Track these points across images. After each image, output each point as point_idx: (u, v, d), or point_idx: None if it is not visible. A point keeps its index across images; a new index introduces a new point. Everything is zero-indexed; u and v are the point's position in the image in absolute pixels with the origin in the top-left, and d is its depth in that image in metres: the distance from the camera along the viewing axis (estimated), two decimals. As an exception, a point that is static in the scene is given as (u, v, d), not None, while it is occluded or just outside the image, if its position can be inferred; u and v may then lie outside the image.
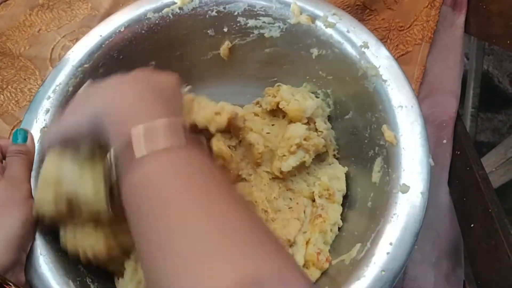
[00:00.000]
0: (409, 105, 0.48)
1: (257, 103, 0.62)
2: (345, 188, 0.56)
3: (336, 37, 0.54)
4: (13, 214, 0.43)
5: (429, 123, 0.64)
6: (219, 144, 0.51)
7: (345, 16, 0.54)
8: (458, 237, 0.60)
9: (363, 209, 0.51)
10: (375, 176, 0.50)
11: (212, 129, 0.50)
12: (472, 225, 0.53)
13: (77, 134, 0.41)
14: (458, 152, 0.61)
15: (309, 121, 0.57)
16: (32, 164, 0.48)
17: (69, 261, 0.47)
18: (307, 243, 0.52)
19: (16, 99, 0.65)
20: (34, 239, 0.45)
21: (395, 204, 0.45)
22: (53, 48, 0.68)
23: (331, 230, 0.53)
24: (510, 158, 0.92)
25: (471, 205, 0.55)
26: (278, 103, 0.57)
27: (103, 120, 0.37)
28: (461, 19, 0.67)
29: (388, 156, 0.48)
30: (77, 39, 0.67)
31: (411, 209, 0.44)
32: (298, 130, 0.54)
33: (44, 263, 0.45)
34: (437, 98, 0.65)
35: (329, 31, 0.54)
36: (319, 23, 0.55)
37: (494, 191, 0.52)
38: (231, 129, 0.56)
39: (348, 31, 0.53)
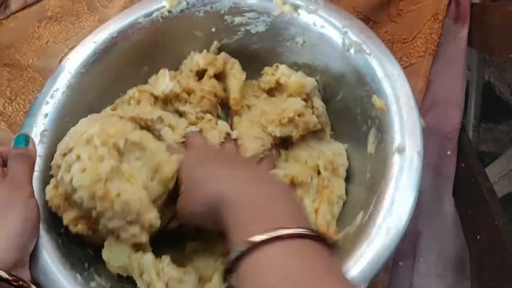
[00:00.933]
0: (395, 73, 0.50)
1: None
2: (347, 162, 0.56)
3: (319, 21, 0.56)
4: (15, 214, 0.43)
5: (433, 134, 0.64)
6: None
7: (327, 3, 0.56)
8: (464, 249, 0.60)
9: (362, 182, 0.52)
10: (371, 148, 0.51)
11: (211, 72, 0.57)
12: (478, 237, 0.54)
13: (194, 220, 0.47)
14: (463, 164, 0.61)
15: (307, 98, 0.58)
16: (34, 167, 0.49)
17: (74, 257, 0.47)
18: (316, 212, 0.53)
19: (24, 110, 0.65)
20: (38, 237, 0.45)
21: (392, 164, 0.46)
22: (61, 60, 0.68)
23: (337, 203, 0.54)
24: (513, 169, 0.92)
25: (477, 217, 0.55)
26: (278, 80, 0.58)
27: (221, 212, 0.39)
28: (464, 32, 0.67)
29: (381, 124, 0.49)
30: (84, 51, 0.69)
31: (409, 167, 0.45)
32: (296, 104, 0.55)
33: (50, 258, 0.45)
34: (440, 110, 0.65)
35: (312, 17, 0.56)
36: (301, 11, 0.57)
37: (500, 202, 0.52)
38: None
39: (329, 16, 0.55)
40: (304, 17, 0.57)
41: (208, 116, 0.56)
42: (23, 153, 0.48)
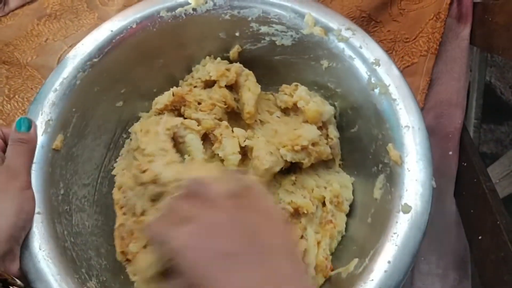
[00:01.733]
0: (416, 126, 0.48)
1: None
2: (352, 197, 0.56)
3: (348, 51, 0.54)
4: (9, 204, 0.43)
5: (435, 134, 0.64)
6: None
7: (359, 31, 0.54)
8: (465, 249, 0.60)
9: (362, 223, 0.52)
10: (377, 193, 0.51)
11: (222, 83, 0.56)
12: (480, 237, 0.53)
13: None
14: (465, 164, 0.61)
15: (322, 126, 0.57)
16: (33, 154, 0.48)
17: (67, 257, 0.47)
18: (318, 244, 0.53)
19: (23, 108, 0.65)
20: (30, 229, 0.45)
21: (395, 223, 0.45)
22: (60, 58, 0.68)
23: (336, 238, 0.54)
24: (514, 170, 0.92)
25: (479, 217, 0.55)
26: (295, 102, 0.57)
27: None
28: (466, 31, 0.67)
29: (392, 174, 0.48)
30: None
31: (411, 230, 0.44)
32: (311, 132, 0.54)
33: (43, 258, 0.45)
34: (442, 110, 0.65)
35: (342, 45, 0.54)
36: (332, 36, 0.55)
37: (502, 202, 0.52)
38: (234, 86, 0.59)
39: (360, 47, 0.53)
40: (334, 42, 0.55)
41: (225, 123, 0.55)
42: (24, 139, 0.47)
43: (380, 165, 0.51)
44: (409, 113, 0.49)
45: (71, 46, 0.69)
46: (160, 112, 0.58)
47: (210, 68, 0.58)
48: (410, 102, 0.50)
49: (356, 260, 0.47)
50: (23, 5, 0.71)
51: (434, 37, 0.66)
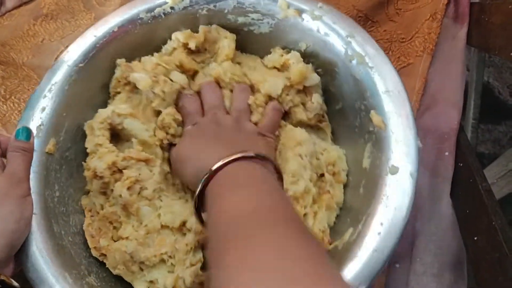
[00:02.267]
0: (396, 90, 0.49)
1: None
2: (347, 168, 0.56)
3: (323, 29, 0.55)
4: (9, 211, 0.43)
5: (431, 135, 0.64)
6: None
7: (332, 9, 0.55)
8: (461, 249, 0.60)
9: (356, 195, 0.52)
10: (366, 162, 0.51)
11: (191, 45, 0.56)
12: (475, 238, 0.53)
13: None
14: (461, 164, 0.61)
15: (306, 92, 0.57)
16: (31, 162, 0.49)
17: (65, 255, 0.47)
18: (314, 215, 0.52)
19: (19, 109, 0.65)
20: (29, 233, 0.46)
21: (385, 185, 0.45)
22: (56, 58, 0.68)
23: (335, 210, 0.54)
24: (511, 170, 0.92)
25: (475, 217, 0.55)
26: (286, 61, 0.57)
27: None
28: (463, 31, 0.67)
29: (377, 140, 0.49)
30: (80, 49, 0.68)
31: (401, 190, 0.45)
32: (277, 82, 0.55)
33: (40, 256, 0.45)
34: (438, 110, 0.65)
35: (316, 23, 0.55)
36: (306, 16, 0.56)
37: (498, 203, 0.52)
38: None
39: (334, 23, 0.54)
40: (308, 22, 0.55)
41: (162, 77, 0.54)
42: (24, 147, 0.48)
43: (366, 135, 0.51)
44: (386, 78, 0.50)
45: (68, 47, 0.69)
46: (116, 92, 0.58)
47: (177, 34, 0.57)
48: (388, 68, 0.51)
49: (351, 229, 0.47)
50: (19, 6, 0.71)
51: (430, 37, 0.66)
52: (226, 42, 0.58)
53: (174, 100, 0.55)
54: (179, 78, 0.55)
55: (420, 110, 0.65)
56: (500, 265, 0.47)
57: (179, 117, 0.54)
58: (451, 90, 0.65)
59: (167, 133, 0.54)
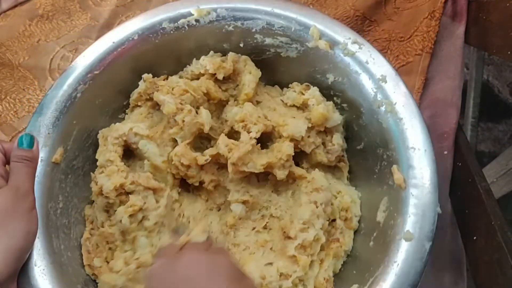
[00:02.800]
0: (423, 148, 0.46)
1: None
2: (360, 213, 0.54)
3: (354, 66, 0.52)
4: (16, 226, 0.43)
5: (430, 134, 0.63)
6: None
7: (366, 45, 0.52)
8: (460, 250, 0.59)
9: (365, 245, 0.51)
10: (380, 216, 0.49)
11: (220, 76, 0.55)
12: (475, 238, 0.53)
13: None
14: (460, 164, 0.60)
15: (327, 132, 0.56)
16: (36, 171, 0.48)
17: (63, 272, 0.46)
18: (320, 263, 0.51)
19: (15, 109, 0.64)
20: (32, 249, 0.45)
21: (396, 251, 0.44)
22: (52, 59, 0.68)
23: (341, 258, 0.53)
24: (511, 169, 0.91)
25: (474, 217, 0.54)
26: (305, 100, 0.56)
27: None
28: (461, 30, 0.67)
29: (396, 198, 0.47)
30: (76, 49, 0.68)
31: (413, 260, 0.43)
32: (299, 125, 0.53)
33: (38, 274, 0.44)
34: (437, 109, 0.64)
35: (348, 59, 0.52)
36: (337, 50, 0.53)
37: (497, 203, 0.51)
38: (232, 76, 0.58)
39: (367, 62, 0.51)
40: (340, 57, 0.53)
41: (188, 107, 0.53)
42: (28, 157, 0.47)
43: (385, 187, 0.49)
44: (416, 133, 0.47)
45: (64, 47, 0.69)
46: (136, 105, 0.57)
47: (205, 61, 0.56)
48: (417, 122, 0.48)
49: (355, 286, 0.46)
50: (15, 6, 0.70)
51: (429, 36, 0.66)
52: (248, 80, 0.56)
53: (192, 133, 0.54)
54: (205, 118, 0.54)
55: (419, 109, 0.64)
56: (500, 265, 0.47)
57: (186, 161, 0.52)
58: (449, 89, 0.65)
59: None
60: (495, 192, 0.90)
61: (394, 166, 0.47)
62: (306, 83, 0.58)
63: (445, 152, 0.62)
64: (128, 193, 0.51)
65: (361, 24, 0.68)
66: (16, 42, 0.68)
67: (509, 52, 0.55)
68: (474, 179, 0.55)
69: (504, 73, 1.30)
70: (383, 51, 0.67)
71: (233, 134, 0.56)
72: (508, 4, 0.56)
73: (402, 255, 0.43)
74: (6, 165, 0.47)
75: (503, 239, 0.47)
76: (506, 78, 1.30)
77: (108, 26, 0.69)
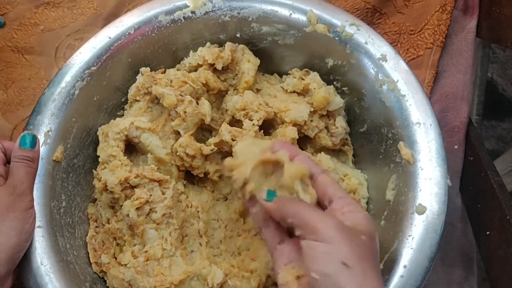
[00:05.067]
0: (428, 122, 0.47)
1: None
2: (367, 195, 0.54)
3: (353, 48, 0.52)
4: (11, 226, 0.42)
5: (440, 128, 0.62)
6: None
7: (363, 26, 0.52)
8: (471, 245, 0.59)
9: (375, 225, 0.50)
10: (389, 194, 0.49)
11: (218, 66, 0.54)
12: (488, 233, 0.52)
13: None
14: (471, 158, 0.59)
15: (330, 116, 0.55)
16: (36, 172, 0.47)
17: (70, 271, 0.46)
18: None
19: (20, 98, 0.64)
20: (34, 248, 0.45)
21: (410, 225, 0.44)
22: (57, 47, 0.66)
23: None
24: (517, 166, 0.91)
25: (487, 212, 0.54)
26: (306, 85, 0.55)
27: None
28: (472, 24, 0.66)
29: (404, 174, 0.47)
30: (82, 38, 0.67)
31: (427, 232, 0.43)
32: (302, 111, 0.53)
33: (45, 273, 0.44)
34: (448, 103, 0.64)
35: (346, 41, 0.52)
36: (335, 33, 0.53)
37: (511, 197, 0.51)
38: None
39: (366, 43, 0.52)
40: (338, 40, 0.53)
41: (188, 98, 0.53)
42: (29, 157, 0.46)
43: (392, 165, 0.49)
44: (419, 109, 0.48)
45: (69, 35, 0.67)
46: (135, 100, 0.56)
47: (204, 52, 0.55)
48: (420, 98, 0.48)
49: None
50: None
51: (440, 29, 0.65)
52: (247, 68, 0.56)
53: (194, 124, 0.53)
54: (206, 109, 0.53)
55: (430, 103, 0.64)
56: (515, 260, 0.46)
57: (191, 151, 0.52)
58: (460, 82, 0.64)
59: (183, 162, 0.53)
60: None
61: (401, 143, 0.48)
62: (306, 69, 0.58)
63: (456, 146, 0.62)
64: (133, 187, 0.50)
65: (371, 16, 0.68)
66: (22, 30, 0.67)
67: (524, 45, 0.55)
68: (487, 174, 0.54)
69: (508, 71, 1.30)
70: (393, 44, 0.66)
71: (235, 124, 0.55)
72: (523, -3, 0.56)
73: (417, 229, 0.43)
74: (7, 164, 0.47)
75: (519, 234, 0.46)
76: (510, 76, 1.30)
77: (114, 15, 0.67)
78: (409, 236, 0.43)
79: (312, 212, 0.37)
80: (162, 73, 0.57)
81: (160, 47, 0.56)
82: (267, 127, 0.56)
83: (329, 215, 0.37)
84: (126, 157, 0.52)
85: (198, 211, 0.53)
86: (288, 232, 0.41)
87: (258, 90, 0.58)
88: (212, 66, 0.56)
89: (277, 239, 0.40)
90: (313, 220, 0.36)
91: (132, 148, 0.56)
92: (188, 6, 0.55)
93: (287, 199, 0.40)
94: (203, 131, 0.58)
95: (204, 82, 0.55)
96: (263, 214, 0.41)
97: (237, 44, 0.57)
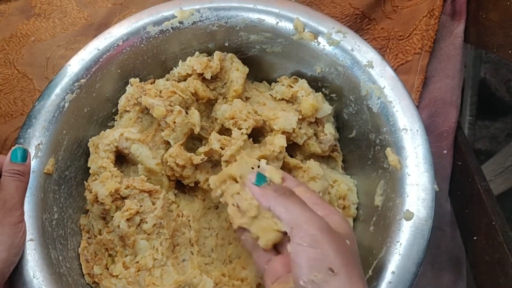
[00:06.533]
0: (414, 128, 0.47)
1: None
2: (357, 201, 0.54)
3: (340, 55, 0.52)
4: (1, 239, 0.42)
5: (429, 133, 0.63)
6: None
7: (350, 33, 0.53)
8: (460, 249, 0.59)
9: (365, 231, 0.51)
10: (378, 200, 0.50)
11: (207, 75, 0.55)
12: (475, 238, 0.53)
13: None
14: (459, 163, 0.60)
15: (318, 123, 0.56)
16: (27, 186, 0.47)
17: (63, 283, 0.46)
18: None
19: (11, 109, 0.64)
20: (26, 261, 0.45)
21: (398, 231, 0.44)
22: (49, 58, 0.67)
23: None
24: (509, 167, 0.92)
25: (474, 217, 0.54)
26: (294, 93, 0.56)
27: None
28: (460, 28, 0.66)
29: (392, 180, 0.47)
30: (73, 48, 0.67)
31: (415, 237, 0.43)
32: (290, 119, 0.53)
33: (38, 286, 0.44)
34: (437, 108, 0.64)
35: (333, 48, 0.53)
36: (322, 40, 0.53)
37: (497, 202, 0.51)
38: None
39: (352, 49, 0.52)
40: (325, 47, 0.53)
41: (177, 108, 0.53)
42: (20, 171, 0.46)
43: (380, 171, 0.50)
44: (406, 114, 0.48)
45: (60, 46, 0.68)
46: (125, 111, 0.57)
47: (193, 62, 0.56)
48: (407, 103, 0.49)
49: None
50: (8, 0, 0.69)
51: (428, 35, 0.65)
52: (236, 76, 0.56)
53: (184, 134, 0.54)
54: (196, 119, 0.54)
55: (419, 108, 0.64)
56: (500, 266, 0.47)
57: (181, 161, 0.52)
58: (449, 87, 0.65)
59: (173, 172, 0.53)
60: (493, 191, 0.91)
61: (388, 149, 0.48)
62: (294, 77, 0.58)
63: (445, 151, 0.62)
64: (123, 198, 0.51)
65: (360, 22, 0.68)
66: (13, 41, 0.68)
67: (510, 51, 0.55)
68: (474, 179, 0.55)
69: (501, 71, 1.30)
70: (382, 49, 0.67)
71: (224, 132, 0.55)
72: (508, 3, 0.56)
73: (404, 235, 0.44)
74: None
75: (504, 239, 0.47)
76: (503, 76, 1.30)
77: (105, 24, 0.68)
78: (397, 242, 0.44)
79: (301, 211, 0.37)
80: (151, 83, 0.57)
81: (149, 58, 0.57)
82: (257, 134, 0.57)
83: (317, 215, 0.37)
84: (116, 168, 0.53)
85: (189, 220, 0.53)
86: (276, 250, 0.41)
87: (247, 98, 0.59)
88: (201, 76, 0.56)
89: (265, 259, 0.41)
90: (301, 219, 0.36)
91: (123, 159, 0.56)
92: (176, 17, 0.55)
93: (279, 188, 0.40)
94: (193, 140, 0.58)
95: (193, 91, 0.55)
96: (252, 240, 0.42)
97: (225, 53, 0.57)
